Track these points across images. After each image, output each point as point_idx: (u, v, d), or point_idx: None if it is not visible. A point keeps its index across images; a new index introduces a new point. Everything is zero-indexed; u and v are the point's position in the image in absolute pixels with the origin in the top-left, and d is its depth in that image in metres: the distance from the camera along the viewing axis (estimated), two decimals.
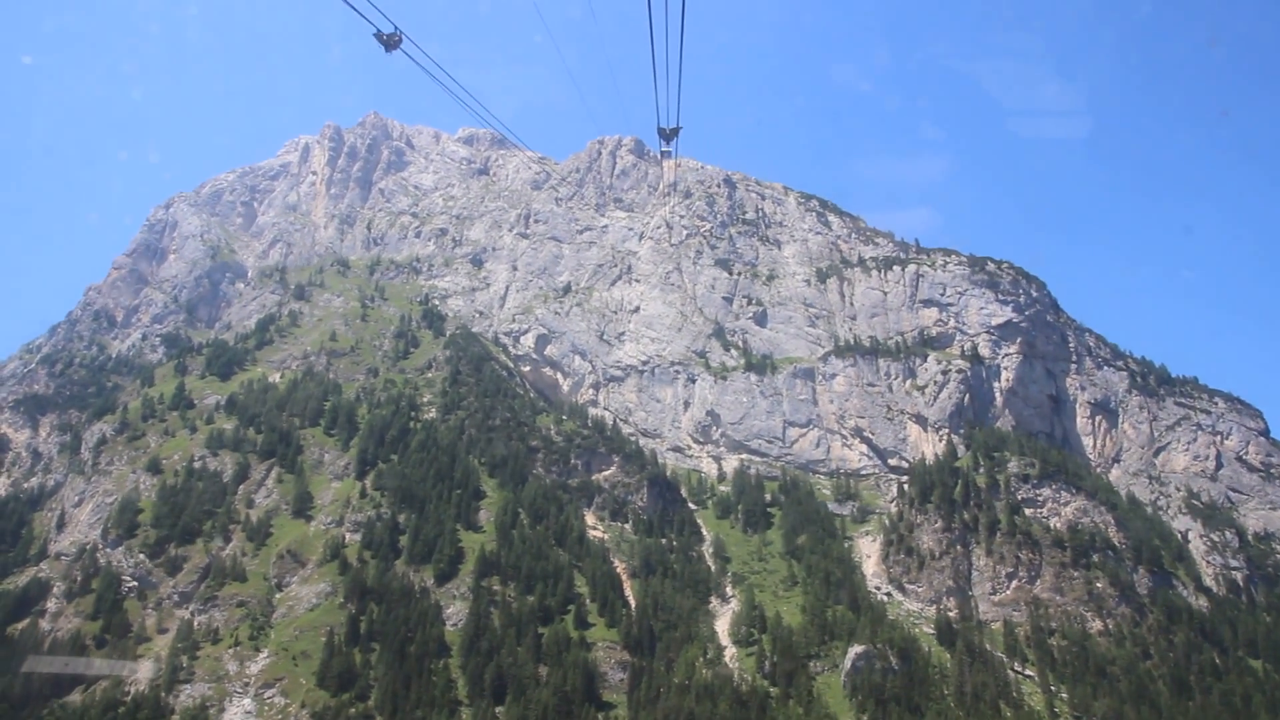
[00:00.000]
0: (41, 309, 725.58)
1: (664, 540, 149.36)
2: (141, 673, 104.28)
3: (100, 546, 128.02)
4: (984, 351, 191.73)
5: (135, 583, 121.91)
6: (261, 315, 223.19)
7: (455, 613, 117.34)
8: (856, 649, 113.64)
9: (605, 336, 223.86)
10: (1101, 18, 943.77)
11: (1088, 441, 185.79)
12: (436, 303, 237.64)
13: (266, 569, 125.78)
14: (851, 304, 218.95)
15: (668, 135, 38.33)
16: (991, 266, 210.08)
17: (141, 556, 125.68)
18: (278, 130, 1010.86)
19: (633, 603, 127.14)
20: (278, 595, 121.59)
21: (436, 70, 31.40)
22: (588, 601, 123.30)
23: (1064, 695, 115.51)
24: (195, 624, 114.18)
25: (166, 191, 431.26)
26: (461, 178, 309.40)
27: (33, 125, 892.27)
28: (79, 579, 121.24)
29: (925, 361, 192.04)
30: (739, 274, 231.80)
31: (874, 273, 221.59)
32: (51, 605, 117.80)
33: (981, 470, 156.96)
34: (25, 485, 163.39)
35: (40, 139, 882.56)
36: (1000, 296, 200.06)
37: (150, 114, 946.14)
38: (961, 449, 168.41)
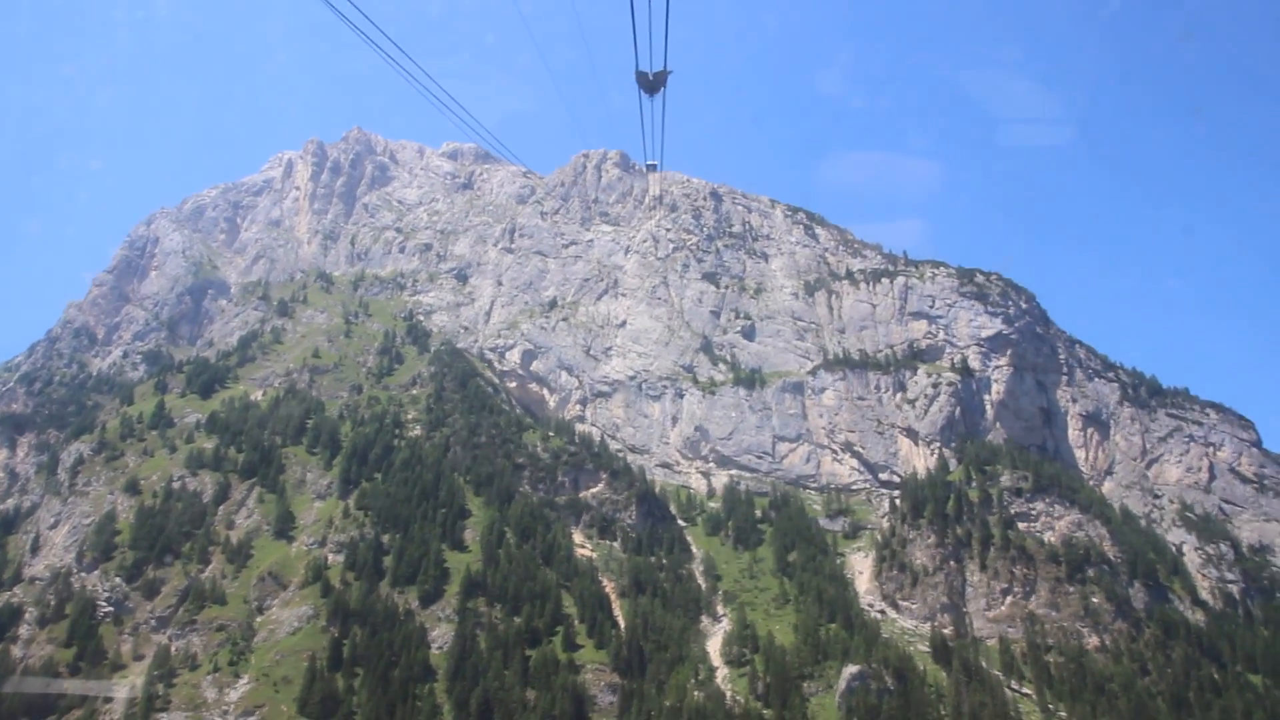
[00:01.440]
0: (21, 327, 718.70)
1: (653, 558, 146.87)
2: (117, 700, 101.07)
3: (75, 570, 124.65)
4: (974, 364, 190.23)
5: (111, 607, 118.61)
6: (244, 332, 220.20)
7: (440, 635, 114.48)
8: (851, 669, 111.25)
9: (592, 351, 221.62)
10: (1078, 23, 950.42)
11: (1080, 454, 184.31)
12: (421, 318, 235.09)
13: (247, 592, 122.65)
14: (840, 317, 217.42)
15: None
16: (980, 278, 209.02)
17: (118, 580, 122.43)
18: (261, 146, 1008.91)
19: (622, 623, 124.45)
20: (258, 619, 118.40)
21: (417, 81, 29.50)
22: (576, 622, 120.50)
23: (1062, 714, 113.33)
24: (173, 649, 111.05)
25: (148, 208, 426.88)
26: (446, 192, 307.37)
27: (14, 142, 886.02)
28: (52, 603, 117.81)
29: (915, 374, 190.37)
30: (726, 287, 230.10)
31: (862, 285, 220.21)
32: (24, 632, 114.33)
33: (974, 484, 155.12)
34: (1, 507, 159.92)
35: (21, 155, 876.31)
36: (990, 308, 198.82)
37: (132, 130, 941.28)
38: (953, 463, 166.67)
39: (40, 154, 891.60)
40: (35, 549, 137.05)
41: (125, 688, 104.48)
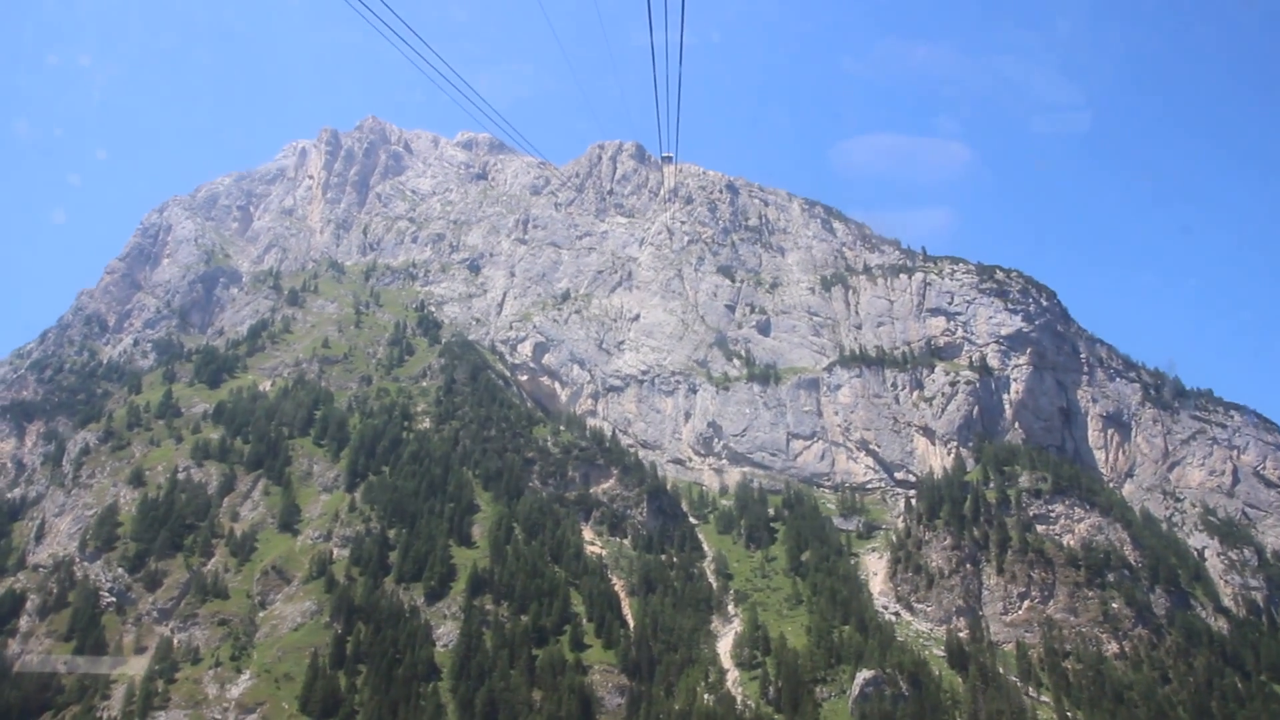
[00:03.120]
0: (34, 314, 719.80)
1: (664, 556, 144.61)
2: (114, 698, 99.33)
3: (78, 559, 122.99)
4: (993, 362, 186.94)
5: (114, 598, 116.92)
6: (254, 321, 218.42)
7: (446, 633, 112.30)
8: (865, 674, 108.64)
9: (604, 345, 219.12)
10: (1097, 13, 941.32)
11: (1100, 455, 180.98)
12: (432, 309, 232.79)
13: (250, 585, 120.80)
14: (857, 313, 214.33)
15: None
16: (1000, 275, 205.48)
17: (120, 570, 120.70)
18: (276, 134, 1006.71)
19: (631, 623, 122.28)
20: (261, 613, 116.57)
21: (437, 72, 27.52)
22: (584, 621, 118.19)
23: None
24: (175, 642, 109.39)
25: (161, 195, 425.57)
26: (459, 182, 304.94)
27: (27, 127, 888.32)
28: (55, 591, 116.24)
29: (933, 372, 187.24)
30: (741, 281, 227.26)
31: (880, 281, 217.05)
32: (24, 624, 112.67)
33: (992, 485, 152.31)
34: (8, 495, 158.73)
35: (35, 142, 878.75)
36: (1009, 305, 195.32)
37: (146, 117, 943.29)
38: (970, 463, 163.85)
39: (54, 141, 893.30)
40: (40, 536, 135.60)
41: (127, 681, 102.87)
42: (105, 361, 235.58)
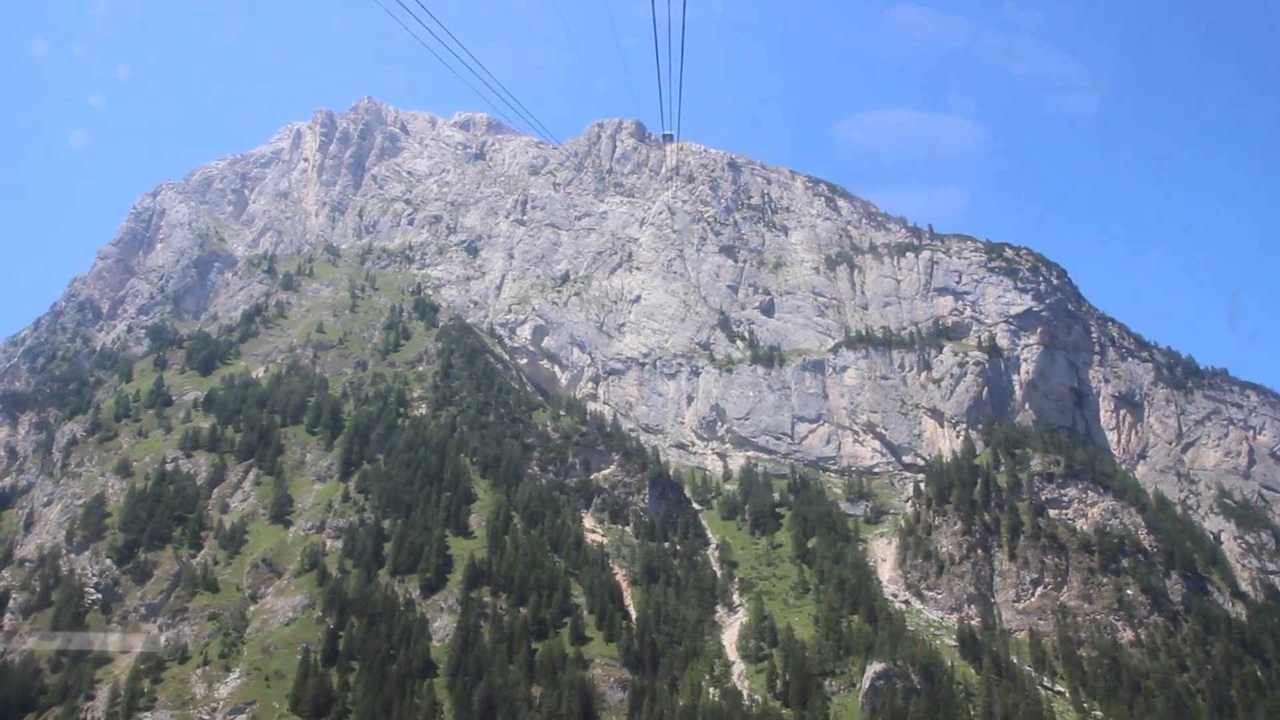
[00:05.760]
0: (27, 301, 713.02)
1: (667, 544, 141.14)
2: (99, 699, 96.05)
3: (64, 552, 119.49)
4: (1002, 342, 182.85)
5: (99, 594, 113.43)
6: (248, 306, 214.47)
7: (442, 627, 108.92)
8: (876, 667, 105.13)
9: (605, 328, 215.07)
10: None
11: (1112, 437, 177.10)
12: (429, 292, 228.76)
13: (240, 579, 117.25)
14: (863, 292, 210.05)
15: None
16: (1010, 253, 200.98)
17: (108, 561, 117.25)
18: (270, 117, 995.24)
19: (633, 614, 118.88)
20: (252, 608, 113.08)
21: (439, 42, 24.03)
22: (585, 613, 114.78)
23: (1097, 713, 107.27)
24: (163, 640, 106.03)
25: (155, 179, 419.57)
26: (457, 163, 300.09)
27: (19, 111, 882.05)
28: (38, 589, 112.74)
29: (941, 353, 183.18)
30: (745, 261, 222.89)
31: (886, 260, 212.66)
32: (7, 622, 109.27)
33: (1002, 468, 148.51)
34: None
35: (27, 125, 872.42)
36: (1019, 284, 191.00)
37: (139, 100, 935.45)
38: (980, 445, 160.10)
39: (46, 124, 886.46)
40: (29, 526, 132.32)
41: (112, 680, 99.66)
42: (98, 349, 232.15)
